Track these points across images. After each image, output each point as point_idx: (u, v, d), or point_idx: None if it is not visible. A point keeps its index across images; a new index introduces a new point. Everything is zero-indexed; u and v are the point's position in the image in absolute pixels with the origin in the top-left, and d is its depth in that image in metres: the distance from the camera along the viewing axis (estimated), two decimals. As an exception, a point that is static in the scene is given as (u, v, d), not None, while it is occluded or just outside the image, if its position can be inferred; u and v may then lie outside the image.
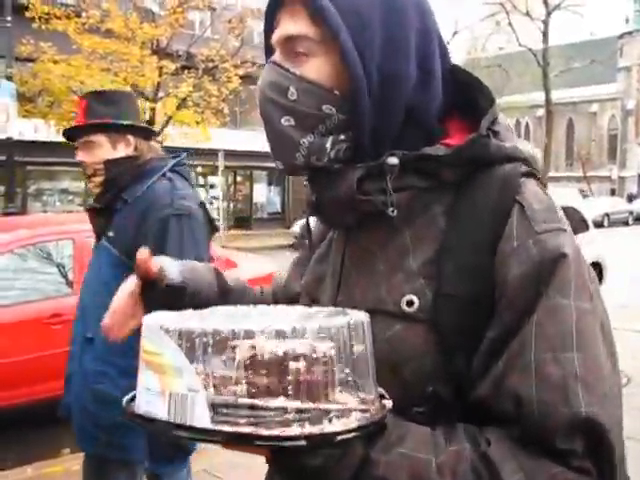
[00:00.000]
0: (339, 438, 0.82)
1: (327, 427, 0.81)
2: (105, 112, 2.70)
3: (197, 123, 21.11)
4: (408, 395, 0.98)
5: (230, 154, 26.08)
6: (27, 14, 18.66)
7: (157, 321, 0.88)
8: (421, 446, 0.92)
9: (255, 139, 29.61)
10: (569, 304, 0.94)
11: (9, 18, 17.13)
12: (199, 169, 30.21)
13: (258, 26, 29.02)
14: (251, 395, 0.80)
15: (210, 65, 21.15)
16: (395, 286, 1.03)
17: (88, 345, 2.61)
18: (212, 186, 30.27)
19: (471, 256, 0.98)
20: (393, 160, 1.02)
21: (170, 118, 20.85)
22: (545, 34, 32.18)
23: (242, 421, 0.79)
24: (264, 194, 33.74)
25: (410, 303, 1.01)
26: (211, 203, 29.95)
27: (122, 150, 2.69)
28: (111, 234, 2.64)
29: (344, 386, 0.85)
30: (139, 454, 2.67)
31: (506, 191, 1.00)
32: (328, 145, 1.05)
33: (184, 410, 0.81)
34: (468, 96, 1.10)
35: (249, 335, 0.80)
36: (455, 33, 34.08)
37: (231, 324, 0.82)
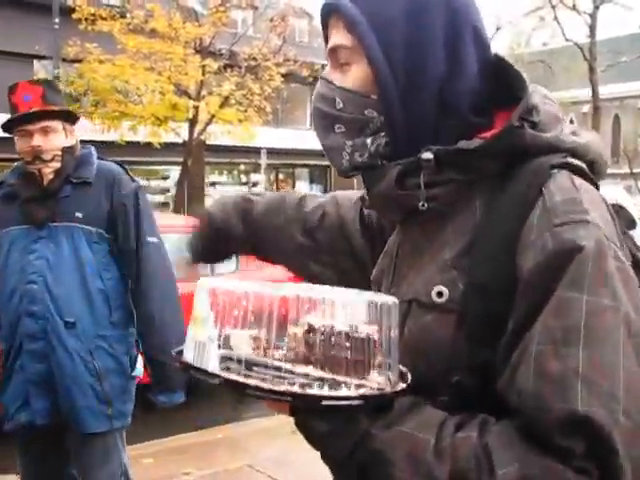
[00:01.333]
0: (325, 403, 0.88)
1: (314, 391, 0.89)
2: (59, 100, 2.84)
3: (240, 121, 21.20)
4: (436, 383, 1.00)
5: (272, 152, 26.18)
6: (74, 16, 18.95)
7: (205, 282, 1.01)
8: (425, 428, 0.94)
9: (297, 137, 29.78)
10: (580, 298, 0.92)
11: (56, 20, 17.44)
12: (241, 167, 30.41)
13: (300, 24, 29.10)
14: (286, 360, 0.90)
15: (252, 63, 21.24)
16: (428, 278, 1.06)
17: (69, 329, 2.67)
18: (254, 184, 30.42)
19: (499, 248, 0.99)
20: (428, 155, 1.04)
21: (213, 116, 20.98)
22: (592, 28, 31.68)
23: (255, 375, 0.90)
24: (306, 191, 33.83)
25: (440, 294, 1.03)
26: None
27: (70, 138, 2.80)
28: (80, 215, 2.70)
29: (380, 368, 0.92)
30: (130, 418, 2.85)
31: (533, 183, 1.00)
32: (369, 141, 1.10)
33: (202, 355, 0.95)
34: (511, 89, 1.10)
35: (285, 302, 0.90)
36: (498, 29, 33.75)
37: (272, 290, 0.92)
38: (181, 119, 20.83)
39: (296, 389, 0.88)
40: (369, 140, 1.10)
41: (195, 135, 21.17)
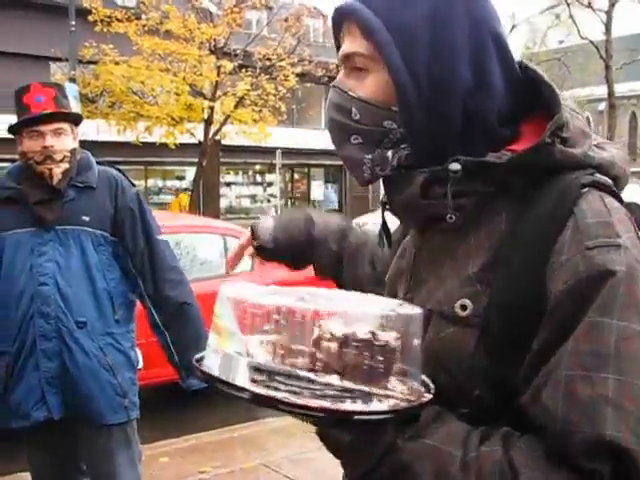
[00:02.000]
0: (357, 417, 0.86)
1: (346, 406, 0.86)
2: (67, 103, 2.93)
3: (255, 121, 21.25)
4: (457, 395, 1.00)
5: (287, 152, 26.21)
6: (89, 18, 19.06)
7: (228, 288, 0.98)
8: (450, 441, 0.93)
9: (312, 137, 29.78)
10: (611, 323, 0.91)
11: (73, 22, 17.53)
12: (257, 167, 30.47)
13: (314, 24, 29.11)
14: (309, 369, 0.88)
15: (267, 64, 21.28)
16: (451, 289, 1.04)
17: (81, 329, 2.78)
18: (270, 184, 30.47)
19: (527, 266, 0.98)
20: (455, 166, 1.02)
21: (228, 117, 21.05)
22: (608, 26, 31.47)
23: (283, 388, 0.87)
24: (321, 192, 33.78)
25: (464, 307, 1.02)
26: (268, 201, 30.19)
27: (76, 141, 2.88)
28: (86, 218, 2.80)
29: (400, 375, 0.90)
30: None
31: (563, 202, 0.98)
32: (389, 155, 1.08)
33: (230, 369, 0.92)
34: (541, 98, 1.08)
35: (316, 315, 0.88)
36: (513, 27, 33.62)
37: (302, 304, 0.91)
38: (196, 120, 20.91)
39: (328, 404, 0.85)
40: (390, 153, 1.08)
41: (210, 135, 21.24)
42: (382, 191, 1.19)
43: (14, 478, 4.63)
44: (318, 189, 33.65)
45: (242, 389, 0.88)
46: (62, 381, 2.77)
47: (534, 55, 33.28)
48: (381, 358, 0.87)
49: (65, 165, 2.78)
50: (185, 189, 27.16)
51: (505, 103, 1.08)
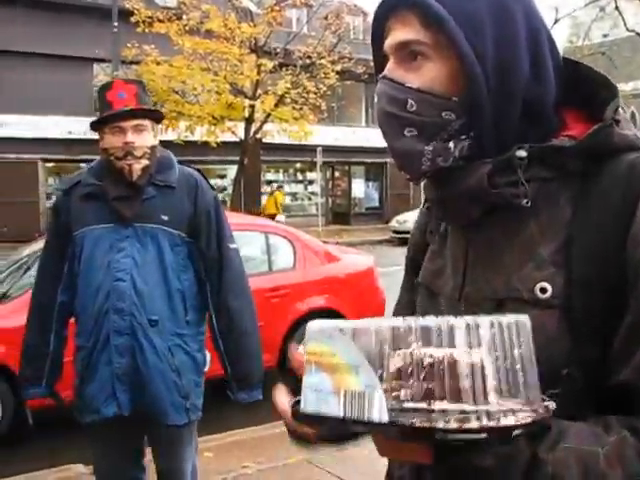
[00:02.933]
0: (515, 432, 0.82)
1: (504, 421, 0.81)
2: (148, 100, 2.96)
3: (295, 119, 21.31)
4: (545, 376, 0.96)
5: (328, 150, 26.24)
6: (132, 19, 19.30)
7: (324, 325, 0.90)
8: (584, 439, 0.92)
9: (353, 134, 29.76)
10: None
11: (115, 24, 17.78)
12: (297, 165, 30.54)
13: (354, 21, 29.07)
14: (414, 400, 0.81)
15: (307, 62, 21.34)
16: (527, 275, 1.05)
17: (153, 327, 2.79)
18: (310, 182, 30.53)
19: (601, 243, 0.99)
20: (521, 153, 1.04)
21: (269, 115, 21.14)
22: (655, 17, 30.86)
23: (414, 420, 0.80)
24: (362, 189, 33.74)
25: (543, 290, 1.02)
26: (309, 199, 30.24)
27: (156, 139, 2.89)
28: (165, 217, 2.81)
29: (507, 391, 0.85)
30: (201, 412, 2.98)
31: (635, 177, 1.01)
32: (451, 146, 1.07)
33: (360, 406, 0.84)
34: (584, 88, 1.11)
35: (424, 335, 0.82)
36: (556, 21, 33.14)
37: (405, 322, 0.84)
38: (237, 118, 21.05)
39: (486, 422, 0.79)
40: (452, 144, 1.07)
41: (251, 134, 21.36)
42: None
43: (64, 469, 4.73)
44: (359, 187, 33.60)
45: (387, 424, 0.81)
46: (131, 378, 2.79)
47: (578, 49, 32.75)
48: (480, 375, 0.82)
49: (145, 161, 2.79)
50: (224, 188, 27.35)
51: (555, 93, 1.10)
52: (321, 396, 0.88)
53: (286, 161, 29.64)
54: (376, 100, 1.12)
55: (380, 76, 1.11)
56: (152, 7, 20.44)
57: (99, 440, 2.97)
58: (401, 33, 1.07)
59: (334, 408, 0.86)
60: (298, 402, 0.95)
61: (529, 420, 0.83)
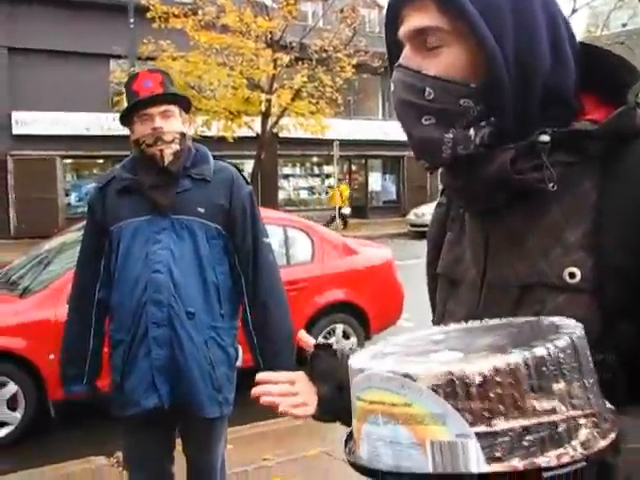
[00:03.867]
0: (609, 450, 0.80)
1: (593, 442, 0.79)
2: (174, 88, 2.99)
3: (312, 113, 21.30)
4: None
5: (344, 143, 26.22)
6: (148, 15, 19.35)
7: (385, 368, 0.83)
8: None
9: (369, 128, 29.70)
10: None
11: (132, 20, 17.84)
12: (314, 159, 30.54)
13: (370, 14, 29.00)
14: (472, 423, 0.77)
15: (323, 55, 21.30)
16: (555, 260, 1.05)
17: (190, 319, 2.80)
18: (328, 175, 30.52)
19: (631, 226, 1.00)
20: (545, 137, 1.03)
21: (285, 109, 21.14)
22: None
23: (500, 454, 0.77)
24: (379, 182, 33.68)
25: (572, 275, 1.02)
26: (327, 192, 30.22)
27: (185, 125, 2.92)
28: (202, 210, 2.82)
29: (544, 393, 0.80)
30: (232, 406, 2.99)
31: None
32: (471, 133, 1.07)
33: (454, 457, 0.78)
34: (601, 72, 1.11)
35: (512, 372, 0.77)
36: (574, 11, 32.85)
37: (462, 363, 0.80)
38: (254, 113, 21.06)
39: (581, 451, 0.77)
40: (472, 132, 1.07)
41: (268, 128, 21.38)
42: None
43: (85, 461, 4.77)
44: (376, 180, 33.55)
45: (489, 476, 0.76)
46: (170, 369, 2.80)
47: (596, 39, 32.47)
48: (528, 385, 0.78)
49: (175, 146, 2.80)
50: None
51: (574, 77, 1.10)
52: (399, 450, 0.81)
53: (303, 155, 29.65)
54: (392, 89, 1.11)
55: (396, 64, 1.10)
56: (168, 3, 20.45)
57: (134, 432, 2.97)
58: (417, 20, 1.06)
59: (419, 462, 0.79)
60: (349, 446, 0.91)
61: (613, 435, 0.81)
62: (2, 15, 22.93)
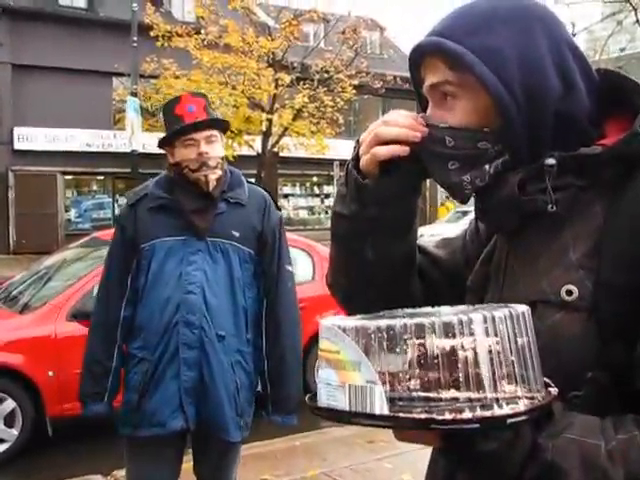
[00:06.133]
0: (510, 421, 0.86)
1: (497, 411, 0.86)
2: (216, 114, 2.91)
3: (312, 133, 21.38)
4: (567, 380, 1.00)
5: (344, 164, 26.23)
6: (151, 33, 19.47)
7: (333, 322, 0.96)
8: (589, 432, 0.93)
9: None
10: None
11: (135, 38, 17.94)
12: (314, 179, 30.58)
13: (371, 36, 29.17)
14: (424, 389, 0.87)
15: (325, 76, 21.42)
16: (555, 278, 1.07)
17: (219, 342, 2.79)
18: (327, 196, 30.54)
19: (631, 247, 1.01)
20: (551, 161, 1.07)
21: (286, 129, 21.22)
22: (674, 31, 30.75)
23: (417, 410, 0.87)
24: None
25: (569, 292, 1.04)
26: (326, 212, 30.22)
27: (224, 148, 2.94)
28: (236, 234, 2.83)
29: (510, 378, 0.90)
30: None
31: None
32: (487, 167, 1.13)
33: (364, 400, 0.90)
34: (617, 96, 1.14)
35: (419, 330, 0.88)
36: (573, 35, 33.19)
37: (401, 320, 0.89)
38: (255, 132, 21.16)
39: (480, 414, 0.86)
40: (487, 167, 1.12)
41: (268, 147, 21.44)
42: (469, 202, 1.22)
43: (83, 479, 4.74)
44: (375, 200, 33.51)
45: (388, 417, 0.88)
46: (197, 392, 2.78)
47: (595, 64, 32.58)
48: (489, 364, 0.88)
49: (219, 172, 2.83)
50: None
51: (589, 104, 1.13)
52: (330, 390, 0.94)
53: (303, 175, 29.70)
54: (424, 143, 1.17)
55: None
56: (171, 22, 20.63)
57: (143, 452, 2.92)
58: (430, 77, 1.14)
59: (342, 402, 0.92)
60: (314, 396, 1.00)
61: (522, 409, 0.88)
62: (7, 32, 23.07)
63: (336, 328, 0.94)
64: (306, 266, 7.07)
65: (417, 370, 0.87)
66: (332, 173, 24.56)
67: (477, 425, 0.85)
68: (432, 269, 1.37)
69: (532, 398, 0.90)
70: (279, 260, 2.95)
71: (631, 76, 1.15)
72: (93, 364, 2.91)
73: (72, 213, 25.59)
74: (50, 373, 5.15)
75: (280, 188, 29.62)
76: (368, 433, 4.99)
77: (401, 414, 0.87)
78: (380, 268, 1.25)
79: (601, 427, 0.94)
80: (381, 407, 0.88)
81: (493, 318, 0.89)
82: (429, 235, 26.19)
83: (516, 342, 0.91)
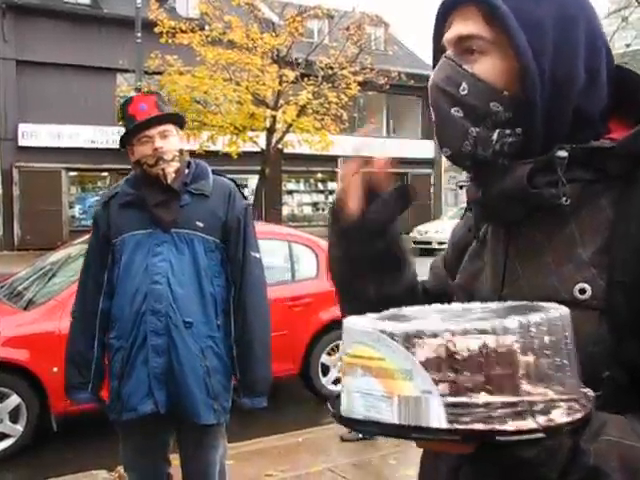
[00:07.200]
0: (568, 428, 0.83)
1: (557, 418, 0.82)
2: (167, 108, 3.10)
3: (316, 130, 21.35)
4: (586, 378, 0.98)
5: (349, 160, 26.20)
6: (155, 30, 19.46)
7: (366, 324, 0.89)
8: (624, 433, 0.92)
9: (374, 145, 29.71)
10: None
11: (139, 34, 17.95)
12: (318, 175, 30.58)
13: (376, 32, 29.12)
14: (453, 393, 0.81)
15: (329, 72, 21.37)
16: (566, 276, 1.06)
17: (187, 329, 2.92)
18: (331, 192, 30.52)
19: None
20: (562, 153, 1.05)
21: (290, 125, 21.19)
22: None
23: (468, 419, 0.81)
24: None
25: (582, 291, 1.03)
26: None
27: (182, 142, 3.05)
28: (201, 224, 2.95)
29: (544, 380, 0.85)
30: (229, 414, 3.10)
31: None
32: (494, 137, 1.10)
33: (418, 412, 0.83)
34: (630, 93, 1.13)
35: (460, 332, 0.82)
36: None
37: (442, 324, 0.85)
38: (259, 128, 21.12)
39: (542, 422, 0.81)
40: (495, 136, 1.10)
41: (273, 144, 21.43)
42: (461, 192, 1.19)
43: (88, 475, 4.75)
44: (379, 197, 33.47)
45: (449, 431, 0.81)
46: (167, 377, 2.91)
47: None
48: (520, 364, 0.82)
49: (176, 164, 2.94)
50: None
51: (605, 100, 1.12)
52: (371, 401, 0.86)
53: (307, 171, 29.69)
54: (433, 74, 1.15)
55: (444, 55, 1.14)
56: (175, 18, 20.59)
57: (130, 436, 3.09)
58: (462, 27, 1.11)
59: (387, 414, 0.84)
60: (336, 398, 0.94)
61: (579, 416, 0.84)
62: (11, 28, 23.10)
63: (378, 332, 0.86)
64: (310, 262, 7.06)
65: (443, 373, 0.82)
66: (336, 169, 24.56)
67: (542, 435, 0.81)
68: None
69: (569, 400, 0.86)
70: (244, 247, 3.04)
71: (636, 72, 1.15)
72: (75, 355, 3.07)
73: (76, 209, 25.63)
74: (55, 369, 5.13)
75: (284, 184, 29.64)
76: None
77: (457, 425, 0.81)
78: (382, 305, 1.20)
79: (631, 427, 0.93)
80: (438, 419, 0.81)
81: (528, 322, 0.84)
82: (434, 232, 26.29)
83: (551, 343, 0.86)
